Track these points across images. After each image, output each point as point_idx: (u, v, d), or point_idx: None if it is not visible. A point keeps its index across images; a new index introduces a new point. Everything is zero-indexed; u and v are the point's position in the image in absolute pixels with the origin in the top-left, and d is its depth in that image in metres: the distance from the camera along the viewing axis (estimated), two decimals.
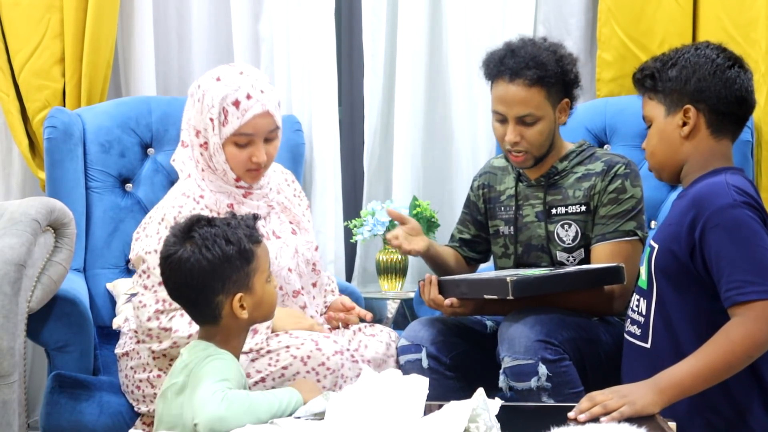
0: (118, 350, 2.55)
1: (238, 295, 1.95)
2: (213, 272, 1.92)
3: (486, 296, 2.33)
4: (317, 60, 3.47)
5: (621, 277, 2.33)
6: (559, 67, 2.47)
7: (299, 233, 2.56)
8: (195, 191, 2.42)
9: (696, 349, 1.99)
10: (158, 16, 3.53)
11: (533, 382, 2.22)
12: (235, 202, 2.43)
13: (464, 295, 2.41)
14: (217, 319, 1.96)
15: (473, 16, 3.46)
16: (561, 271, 2.40)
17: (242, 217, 2.00)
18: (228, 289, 1.94)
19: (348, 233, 3.49)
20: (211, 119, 2.36)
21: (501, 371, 2.29)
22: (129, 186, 3.19)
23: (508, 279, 2.24)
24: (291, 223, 2.55)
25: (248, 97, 2.34)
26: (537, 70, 2.43)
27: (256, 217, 2.03)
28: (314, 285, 2.57)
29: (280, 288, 2.44)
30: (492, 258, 2.75)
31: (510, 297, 2.23)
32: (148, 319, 2.33)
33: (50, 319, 2.61)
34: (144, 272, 2.37)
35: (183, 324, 2.31)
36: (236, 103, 2.34)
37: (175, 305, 2.28)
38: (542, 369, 2.22)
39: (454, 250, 2.75)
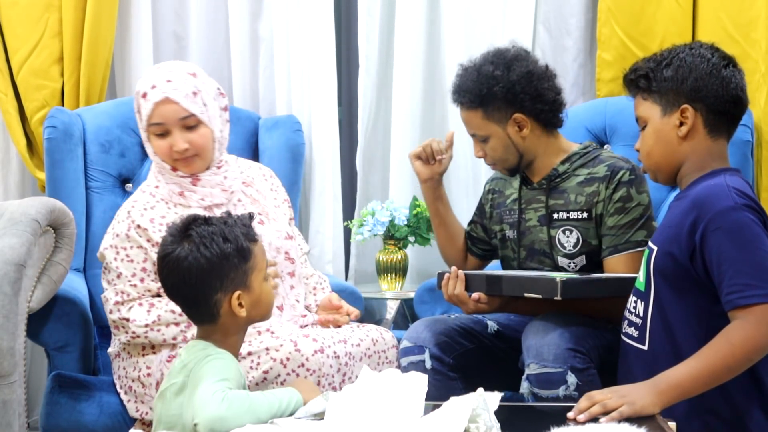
0: (110, 350, 2.55)
1: (237, 293, 1.95)
2: (211, 270, 1.93)
3: (527, 294, 2.28)
4: (317, 60, 3.46)
5: None
6: (486, 87, 2.47)
7: (268, 223, 2.59)
8: (152, 183, 2.55)
9: (694, 351, 1.98)
10: (156, 16, 3.53)
11: (561, 391, 2.18)
12: (186, 190, 2.51)
13: (495, 292, 2.39)
14: (215, 318, 1.96)
15: (473, 16, 3.45)
16: (604, 276, 2.38)
17: (238, 216, 2.01)
18: (226, 287, 1.94)
19: (347, 233, 3.49)
20: (136, 114, 2.51)
21: (524, 377, 2.24)
22: (129, 186, 3.18)
23: (558, 279, 2.21)
24: (260, 214, 2.58)
25: (153, 87, 2.44)
26: (461, 95, 2.53)
27: (251, 216, 2.03)
28: (291, 275, 2.57)
29: None
30: (501, 262, 2.73)
31: (558, 297, 2.20)
32: (110, 312, 2.43)
33: (50, 319, 2.61)
34: (105, 268, 2.48)
35: (140, 314, 2.39)
36: (144, 95, 2.46)
37: (133, 295, 2.40)
38: (572, 378, 2.18)
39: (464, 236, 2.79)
